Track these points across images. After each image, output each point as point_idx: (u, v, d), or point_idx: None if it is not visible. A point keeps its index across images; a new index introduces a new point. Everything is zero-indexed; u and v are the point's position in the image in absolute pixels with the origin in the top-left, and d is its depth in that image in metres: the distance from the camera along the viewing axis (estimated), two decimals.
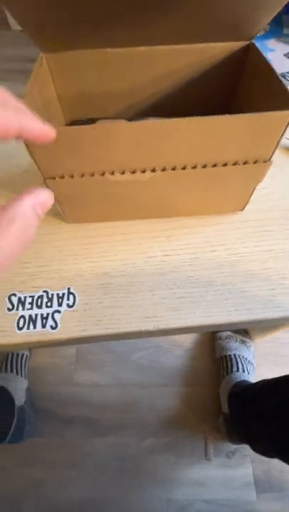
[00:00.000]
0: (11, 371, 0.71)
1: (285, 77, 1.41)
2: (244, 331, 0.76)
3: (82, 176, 0.26)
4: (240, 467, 0.65)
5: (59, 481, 0.65)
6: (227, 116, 0.23)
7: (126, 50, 0.29)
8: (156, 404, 0.72)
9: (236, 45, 0.29)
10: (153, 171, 0.27)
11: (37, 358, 0.78)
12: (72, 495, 0.64)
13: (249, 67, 0.30)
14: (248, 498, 0.63)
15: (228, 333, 0.75)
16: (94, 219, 0.35)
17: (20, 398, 0.68)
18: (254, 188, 0.32)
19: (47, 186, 0.28)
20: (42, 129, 0.19)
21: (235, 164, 0.27)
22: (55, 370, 0.77)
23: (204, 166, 0.27)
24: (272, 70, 0.26)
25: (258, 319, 0.30)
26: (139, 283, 0.32)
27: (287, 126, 0.24)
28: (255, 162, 0.27)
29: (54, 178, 0.27)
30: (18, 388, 0.69)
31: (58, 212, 0.34)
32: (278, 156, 0.43)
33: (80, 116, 0.35)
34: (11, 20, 1.73)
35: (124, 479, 0.65)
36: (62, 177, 0.27)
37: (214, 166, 0.27)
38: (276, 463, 0.63)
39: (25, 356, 0.75)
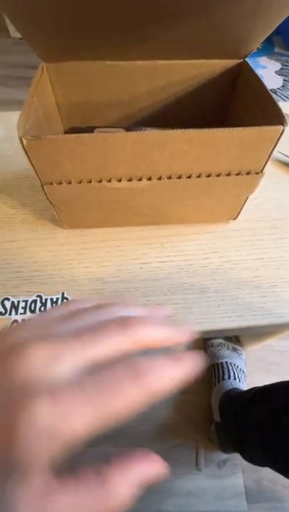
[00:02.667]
0: None
1: (276, 93, 1.46)
2: (236, 339, 0.76)
3: (80, 182, 0.27)
4: (231, 477, 0.65)
5: None
6: (221, 129, 0.24)
7: (126, 63, 0.30)
8: (147, 412, 0.71)
9: (230, 62, 0.31)
10: (149, 179, 0.27)
11: None
12: None
13: (242, 83, 0.32)
14: (239, 509, 0.62)
15: (220, 340, 0.75)
16: (90, 225, 0.36)
17: None
18: (247, 198, 0.33)
19: (44, 192, 0.28)
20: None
21: (228, 175, 0.28)
22: None
23: (199, 176, 0.28)
24: (263, 87, 0.27)
25: (249, 326, 0.30)
26: (133, 289, 0.33)
27: (278, 140, 0.25)
28: (247, 173, 0.28)
29: (52, 183, 0.27)
30: None
31: (54, 218, 0.34)
32: (270, 168, 0.44)
33: (78, 124, 0.36)
34: (11, 28, 1.75)
35: None
36: (59, 183, 0.27)
37: (208, 176, 0.28)
38: (267, 472, 0.63)
39: None
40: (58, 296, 0.32)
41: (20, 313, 0.31)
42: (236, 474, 0.65)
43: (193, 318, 0.31)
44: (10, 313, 0.31)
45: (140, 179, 0.27)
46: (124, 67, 0.30)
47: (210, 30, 0.26)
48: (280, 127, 0.24)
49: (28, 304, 0.31)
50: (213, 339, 0.76)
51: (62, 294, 0.32)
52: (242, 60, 0.31)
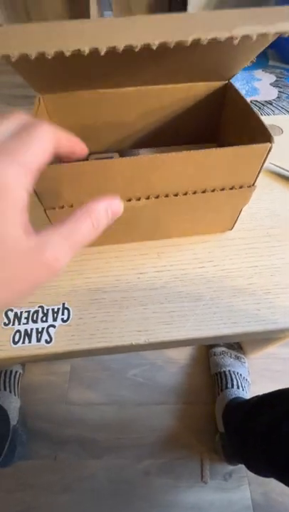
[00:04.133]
0: (4, 389, 0.70)
1: (272, 104, 1.50)
2: (238, 347, 0.76)
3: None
4: (237, 490, 0.63)
5: (51, 506, 0.62)
6: (213, 149, 0.25)
7: (117, 90, 0.32)
8: (152, 423, 0.71)
9: (216, 84, 0.33)
10: (147, 198, 0.29)
11: (30, 376, 0.77)
12: None
13: (228, 102, 0.34)
14: None
15: (223, 349, 0.75)
16: (92, 243, 0.37)
17: (13, 418, 0.66)
18: (241, 209, 0.35)
19: (47, 216, 0.30)
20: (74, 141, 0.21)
21: (222, 190, 0.30)
22: (48, 388, 0.76)
23: (194, 192, 0.30)
24: (248, 107, 0.29)
25: (244, 332, 0.31)
26: (131, 298, 0.34)
27: (267, 156, 0.27)
28: (240, 187, 0.30)
29: (54, 208, 0.29)
30: (12, 407, 0.68)
31: None
32: (263, 179, 0.46)
33: None
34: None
35: (120, 504, 0.62)
36: (61, 207, 0.29)
37: (204, 191, 0.30)
38: (275, 485, 0.61)
39: (18, 374, 0.74)
40: (59, 307, 0.33)
41: (23, 323, 0.32)
42: (243, 487, 0.64)
43: (190, 325, 0.32)
44: (13, 324, 0.32)
45: (138, 199, 0.29)
46: (115, 94, 0.33)
47: (197, 61, 0.28)
48: (268, 145, 0.26)
49: (31, 315, 0.33)
50: (215, 348, 0.76)
51: (63, 304, 0.33)
52: (227, 82, 0.33)
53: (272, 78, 1.68)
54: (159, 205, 0.30)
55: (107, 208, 0.18)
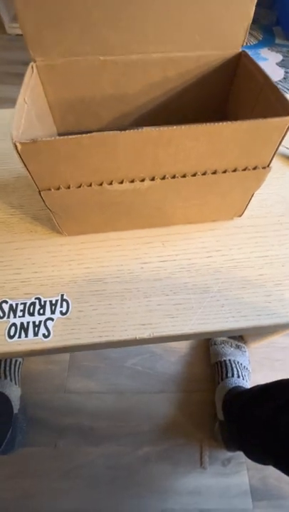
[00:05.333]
0: (5, 378, 0.70)
1: (278, 85, 1.44)
2: (239, 336, 0.75)
3: (80, 186, 0.26)
4: (236, 475, 0.65)
5: (50, 492, 0.63)
6: (227, 123, 0.23)
7: (119, 57, 0.29)
8: (151, 411, 0.71)
9: (229, 53, 0.30)
10: (152, 179, 0.26)
11: (29, 364, 0.76)
12: (64, 507, 0.62)
13: (242, 74, 0.31)
14: (245, 507, 0.62)
15: (223, 338, 0.74)
16: (91, 230, 0.35)
17: (15, 406, 0.66)
18: (253, 194, 0.32)
19: (42, 198, 0.27)
20: None
21: (234, 171, 0.27)
22: (47, 376, 0.75)
23: (204, 173, 0.27)
24: (266, 76, 0.26)
25: (254, 326, 0.29)
26: (134, 289, 0.32)
27: (286, 131, 0.24)
28: (254, 168, 0.27)
29: (50, 189, 0.26)
30: (13, 396, 0.67)
31: (52, 219, 0.33)
32: (273, 162, 0.43)
33: (72, 125, 0.35)
34: (7, 25, 1.73)
35: (118, 490, 0.63)
36: (58, 188, 0.26)
37: (214, 173, 0.27)
38: (272, 470, 0.62)
39: (18, 363, 0.74)
40: (57, 298, 0.31)
41: (19, 316, 0.30)
42: (241, 472, 0.65)
43: (196, 318, 0.30)
44: (8, 317, 0.30)
45: (143, 180, 0.26)
46: (117, 62, 0.29)
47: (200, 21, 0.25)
48: (288, 119, 0.23)
49: (27, 307, 0.30)
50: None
51: (62, 295, 0.31)
52: (241, 50, 0.30)
53: (279, 57, 1.60)
54: (164, 187, 0.28)
55: None
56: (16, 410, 0.66)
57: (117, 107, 0.34)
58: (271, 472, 0.64)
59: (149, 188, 0.27)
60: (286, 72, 1.51)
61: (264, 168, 0.27)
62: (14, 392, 0.68)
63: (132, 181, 0.26)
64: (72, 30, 0.26)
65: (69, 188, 0.26)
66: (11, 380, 0.70)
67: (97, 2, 0.25)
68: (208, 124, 0.22)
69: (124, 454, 0.66)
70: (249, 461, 0.60)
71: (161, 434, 0.68)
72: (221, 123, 0.22)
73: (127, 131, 0.22)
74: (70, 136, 0.22)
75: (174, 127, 0.22)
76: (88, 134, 0.22)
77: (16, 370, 0.72)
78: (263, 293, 0.31)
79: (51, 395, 0.73)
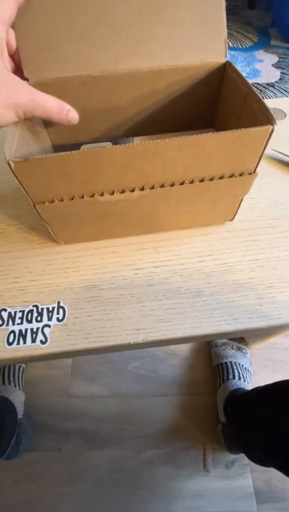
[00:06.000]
0: (9, 384, 0.71)
1: (274, 86, 1.44)
2: (240, 338, 0.76)
3: (72, 198, 0.27)
4: (240, 477, 0.64)
5: (55, 497, 0.64)
6: (211, 134, 0.23)
7: (109, 73, 0.30)
8: (154, 414, 0.71)
9: (214, 64, 0.31)
10: (142, 189, 0.27)
11: (32, 370, 0.77)
12: (69, 511, 0.63)
13: (227, 83, 0.32)
14: (249, 510, 0.62)
15: (224, 340, 0.75)
16: (86, 239, 0.36)
17: (19, 411, 0.67)
18: (242, 199, 0.33)
19: (37, 211, 0.28)
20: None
21: (221, 178, 0.28)
22: (50, 381, 0.76)
23: (192, 182, 0.28)
24: (248, 86, 0.27)
25: (245, 329, 0.30)
26: (128, 295, 0.33)
27: (268, 139, 0.25)
28: (240, 175, 0.28)
29: (44, 202, 0.27)
30: (17, 401, 0.68)
31: (48, 229, 0.34)
32: (264, 166, 0.44)
33: (66, 138, 0.36)
34: None
35: (122, 494, 0.64)
36: (52, 201, 0.27)
37: (201, 180, 0.28)
38: (276, 472, 0.62)
39: (22, 369, 0.75)
40: (53, 305, 0.32)
41: (18, 324, 0.31)
42: (245, 475, 0.65)
43: (189, 322, 0.30)
44: (7, 324, 0.31)
45: (133, 190, 0.27)
46: (107, 77, 0.30)
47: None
48: (269, 127, 0.24)
49: (25, 314, 0.31)
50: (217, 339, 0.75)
51: (58, 302, 0.32)
52: (225, 61, 0.31)
53: (275, 59, 1.61)
54: (154, 196, 0.28)
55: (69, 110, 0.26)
56: (20, 416, 0.67)
57: (109, 119, 0.35)
58: (275, 474, 0.64)
59: (139, 197, 0.28)
60: (282, 74, 1.52)
61: (250, 174, 0.28)
62: (18, 398, 0.69)
63: (123, 192, 0.27)
64: (63, 50, 0.28)
65: (62, 200, 0.27)
66: (15, 385, 0.71)
67: (85, 27, 0.27)
68: (192, 136, 0.23)
69: (128, 458, 0.67)
70: (253, 463, 0.60)
71: (164, 437, 0.69)
72: (203, 135, 0.23)
73: (113, 146, 0.23)
74: (60, 154, 0.23)
75: (159, 141, 0.23)
76: (77, 151, 0.23)
77: (20, 375, 0.73)
78: (254, 296, 0.32)
79: (54, 399, 0.74)
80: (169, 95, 0.33)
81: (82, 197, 0.27)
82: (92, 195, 0.27)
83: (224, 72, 0.31)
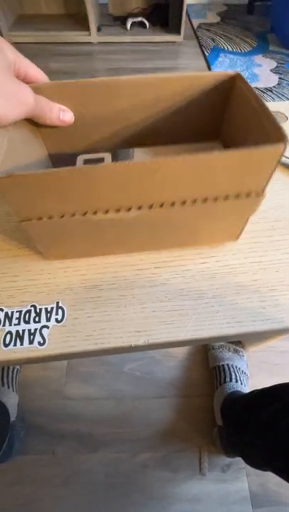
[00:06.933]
0: (2, 385, 0.69)
1: (272, 91, 1.46)
2: (237, 341, 0.76)
3: (62, 216, 0.25)
4: (235, 481, 0.64)
5: (49, 500, 0.63)
6: (216, 153, 0.21)
7: (109, 79, 0.28)
8: (150, 417, 0.71)
9: (223, 75, 0.29)
10: (139, 208, 0.25)
11: (27, 371, 0.76)
12: None
13: (236, 96, 0.30)
14: None
15: (221, 342, 0.74)
16: (78, 255, 0.34)
17: (12, 413, 0.66)
18: (248, 219, 0.31)
19: (23, 228, 0.26)
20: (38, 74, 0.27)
21: (226, 198, 0.26)
22: (45, 383, 0.75)
23: (194, 201, 0.26)
24: (259, 101, 0.25)
25: (249, 332, 0.30)
26: (130, 296, 0.32)
27: (279, 159, 0.23)
28: (247, 195, 0.26)
29: (30, 219, 0.25)
30: (10, 403, 0.67)
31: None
32: None
33: (63, 146, 0.34)
34: (5, 33, 1.75)
35: (117, 497, 0.63)
36: (39, 218, 0.25)
37: (205, 201, 0.26)
38: (272, 476, 0.62)
39: (16, 370, 0.73)
40: (52, 306, 0.31)
41: (15, 324, 0.30)
42: (241, 478, 0.64)
43: (191, 325, 0.30)
44: (4, 325, 0.30)
45: (129, 209, 0.25)
46: (108, 84, 0.29)
47: None
48: (281, 146, 0.21)
49: (23, 315, 0.31)
50: None
51: (57, 303, 0.31)
52: (235, 73, 0.29)
53: (273, 64, 1.62)
54: (153, 216, 0.26)
55: (61, 112, 0.27)
56: (13, 417, 0.66)
57: (109, 127, 0.33)
58: (271, 478, 0.64)
59: (136, 216, 0.26)
60: (280, 79, 1.53)
61: (258, 195, 0.26)
62: (12, 400, 0.68)
63: (118, 210, 0.25)
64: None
65: (51, 218, 0.25)
66: (8, 387, 0.70)
67: None
68: (194, 155, 0.21)
69: (123, 461, 0.66)
70: (249, 466, 0.59)
71: (160, 440, 0.68)
72: (208, 153, 0.21)
73: (106, 164, 0.22)
74: (46, 171, 0.21)
75: (158, 160, 0.21)
76: (66, 168, 0.21)
77: (14, 377, 0.72)
78: (257, 298, 0.32)
79: (49, 401, 0.72)
80: (173, 104, 0.32)
81: (74, 215, 0.25)
82: (85, 213, 0.25)
83: (233, 84, 0.30)
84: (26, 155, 0.29)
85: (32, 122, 0.30)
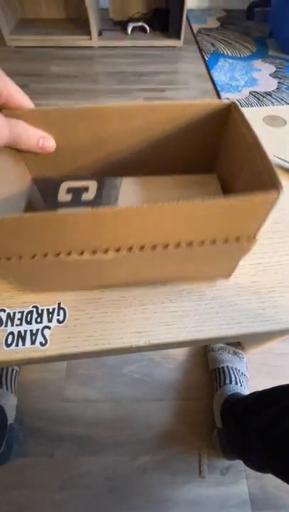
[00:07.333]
0: (1, 387, 0.69)
1: (271, 95, 1.47)
2: (237, 342, 0.76)
3: (33, 257, 0.23)
4: (235, 484, 0.64)
5: (48, 504, 0.62)
6: (203, 201, 0.19)
7: (96, 106, 0.27)
8: (149, 419, 0.71)
9: (218, 104, 0.27)
10: (117, 250, 0.23)
11: (26, 373, 0.76)
12: None
13: (231, 128, 0.28)
14: None
15: (221, 344, 0.74)
16: (56, 290, 0.32)
17: (10, 416, 0.66)
18: (238, 261, 0.28)
19: None
20: (21, 99, 0.24)
21: (213, 243, 0.23)
22: (44, 385, 0.75)
23: (178, 245, 0.23)
24: (256, 139, 0.23)
25: (248, 333, 0.30)
26: (130, 297, 0.32)
27: (273, 206, 0.21)
28: (237, 240, 0.24)
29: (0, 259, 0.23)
30: (9, 405, 0.67)
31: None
32: None
33: (48, 170, 0.32)
34: (7, 37, 1.77)
35: (116, 501, 0.62)
36: (8, 258, 0.23)
37: (189, 244, 0.24)
38: (272, 478, 0.62)
39: (14, 371, 0.73)
40: (54, 307, 0.31)
41: (17, 325, 0.30)
42: (240, 481, 0.64)
43: (192, 326, 0.30)
44: (6, 325, 0.30)
45: (106, 251, 0.23)
46: (95, 110, 0.27)
47: None
48: (275, 194, 0.19)
49: (24, 315, 0.31)
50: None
51: (59, 304, 0.32)
52: (231, 102, 0.27)
53: (272, 69, 1.64)
54: (132, 258, 0.24)
55: (40, 139, 0.24)
56: (11, 420, 0.66)
57: (96, 152, 0.31)
58: (270, 480, 0.64)
59: (114, 258, 0.24)
60: (279, 83, 1.55)
61: (249, 239, 0.24)
62: (10, 402, 0.68)
63: (94, 252, 0.23)
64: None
65: (21, 258, 0.23)
66: (7, 389, 0.69)
67: None
68: (180, 202, 0.19)
69: (122, 464, 0.66)
70: (248, 469, 0.59)
71: (160, 443, 0.68)
72: (192, 201, 0.19)
73: (77, 211, 0.19)
74: (9, 216, 0.19)
75: (132, 207, 0.19)
76: (30, 214, 0.19)
77: (13, 379, 0.72)
78: (256, 300, 0.32)
79: (48, 403, 0.72)
80: (163, 132, 0.29)
81: (46, 255, 0.23)
82: (58, 254, 0.23)
83: (228, 113, 0.28)
84: (6, 184, 0.28)
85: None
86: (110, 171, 0.32)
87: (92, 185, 0.31)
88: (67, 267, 0.25)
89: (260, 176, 0.22)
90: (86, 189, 0.31)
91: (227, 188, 0.30)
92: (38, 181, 0.34)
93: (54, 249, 0.23)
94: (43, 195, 0.34)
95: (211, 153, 0.32)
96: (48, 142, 0.26)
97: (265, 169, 0.21)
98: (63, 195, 0.30)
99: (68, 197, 0.30)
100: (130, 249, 0.23)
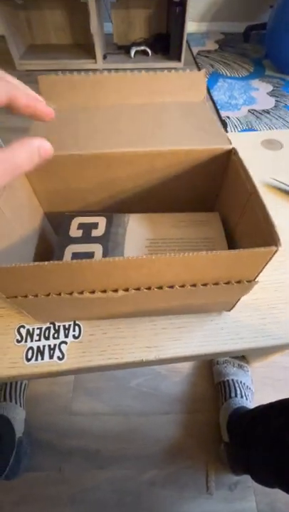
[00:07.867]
0: (10, 400, 0.70)
1: (269, 113, 1.53)
2: (241, 356, 0.77)
3: (48, 295, 0.25)
4: (243, 501, 0.64)
5: None
6: (205, 254, 0.21)
7: (103, 153, 0.29)
8: (156, 433, 0.71)
9: (217, 150, 0.30)
10: (126, 290, 0.26)
11: (34, 386, 0.77)
12: None
13: (231, 175, 0.31)
14: None
15: (226, 358, 0.75)
16: (67, 320, 0.35)
17: (19, 429, 0.66)
18: (240, 298, 0.31)
19: (9, 303, 0.27)
20: (29, 100, 0.21)
21: (216, 284, 0.26)
22: (52, 398, 0.76)
23: (183, 286, 0.26)
24: (254, 188, 0.25)
25: (251, 348, 0.32)
26: (139, 313, 0.35)
27: (272, 257, 0.23)
28: (238, 282, 0.26)
29: (16, 297, 0.26)
30: (17, 419, 0.68)
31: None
32: (265, 194, 0.47)
33: (59, 206, 0.35)
34: (17, 61, 1.88)
35: None
36: (25, 296, 0.26)
37: (193, 285, 0.26)
38: (281, 495, 0.61)
39: (23, 385, 0.75)
40: (70, 323, 0.34)
41: (36, 340, 0.33)
42: (249, 498, 0.64)
43: (198, 341, 0.32)
44: (26, 341, 0.33)
45: (116, 290, 0.25)
46: (101, 157, 0.29)
47: None
48: (273, 248, 0.21)
49: (43, 331, 0.33)
50: None
51: (74, 320, 0.34)
52: (231, 148, 0.29)
53: (269, 88, 1.71)
54: (140, 296, 0.27)
55: (39, 147, 0.20)
56: (20, 433, 0.67)
57: (104, 192, 0.34)
58: (279, 497, 0.63)
59: (123, 296, 0.26)
60: (277, 101, 1.61)
61: (249, 281, 0.26)
62: (19, 415, 0.69)
63: (104, 291, 0.25)
64: (62, 138, 0.28)
65: (37, 296, 0.25)
66: (16, 402, 0.70)
67: (87, 133, 0.28)
68: (184, 254, 0.21)
69: (130, 478, 0.66)
70: (256, 485, 0.59)
71: (167, 457, 0.68)
72: (196, 254, 0.21)
73: (92, 260, 0.21)
74: (30, 264, 0.21)
75: (144, 257, 0.21)
76: (50, 263, 0.21)
77: (21, 392, 0.73)
78: (257, 316, 0.34)
79: (55, 416, 0.73)
80: (168, 174, 0.32)
81: (59, 294, 0.25)
82: (71, 293, 0.25)
83: (229, 157, 0.30)
84: (20, 225, 0.30)
85: (26, 185, 0.31)
86: (118, 207, 0.35)
87: (102, 221, 0.33)
88: (79, 303, 0.27)
89: (260, 225, 0.24)
90: (96, 225, 0.33)
91: (228, 227, 0.33)
92: (50, 216, 0.36)
93: (67, 289, 0.25)
94: (55, 228, 0.37)
95: (213, 193, 0.35)
96: (46, 146, 0.21)
97: (264, 219, 0.23)
98: (74, 231, 0.32)
99: (79, 233, 0.32)
100: (138, 289, 0.25)
